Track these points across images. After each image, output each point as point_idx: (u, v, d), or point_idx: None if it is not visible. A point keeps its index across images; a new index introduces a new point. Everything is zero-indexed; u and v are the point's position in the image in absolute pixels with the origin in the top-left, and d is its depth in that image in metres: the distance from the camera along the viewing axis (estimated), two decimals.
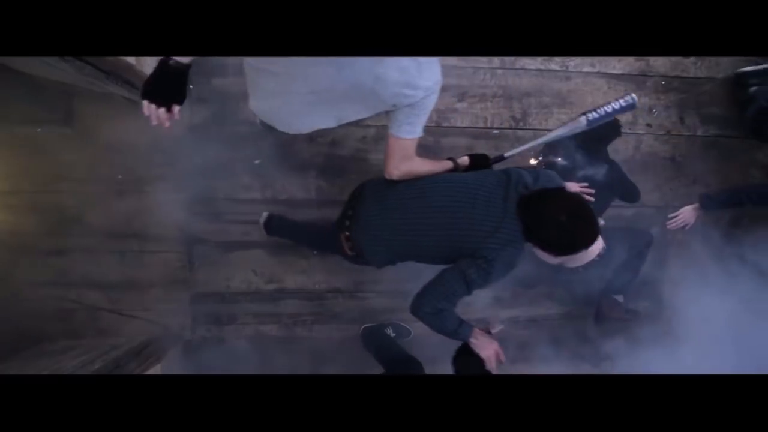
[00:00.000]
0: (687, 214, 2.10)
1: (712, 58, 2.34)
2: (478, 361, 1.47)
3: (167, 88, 1.06)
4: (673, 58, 2.32)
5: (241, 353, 2.04)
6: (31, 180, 1.95)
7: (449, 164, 1.51)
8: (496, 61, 2.22)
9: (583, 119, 1.58)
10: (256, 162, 2.06)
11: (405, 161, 1.35)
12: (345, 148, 2.12)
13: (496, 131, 2.22)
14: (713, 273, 1.99)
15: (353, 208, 1.50)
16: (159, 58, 1.08)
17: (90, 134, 1.94)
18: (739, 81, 2.26)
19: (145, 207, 1.99)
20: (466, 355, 1.50)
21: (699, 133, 2.34)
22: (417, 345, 2.12)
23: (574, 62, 2.27)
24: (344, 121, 1.31)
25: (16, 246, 1.95)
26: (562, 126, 1.65)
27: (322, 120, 1.30)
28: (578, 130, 1.61)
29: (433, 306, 1.38)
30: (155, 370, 1.84)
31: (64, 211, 1.97)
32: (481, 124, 2.22)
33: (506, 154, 1.64)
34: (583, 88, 2.27)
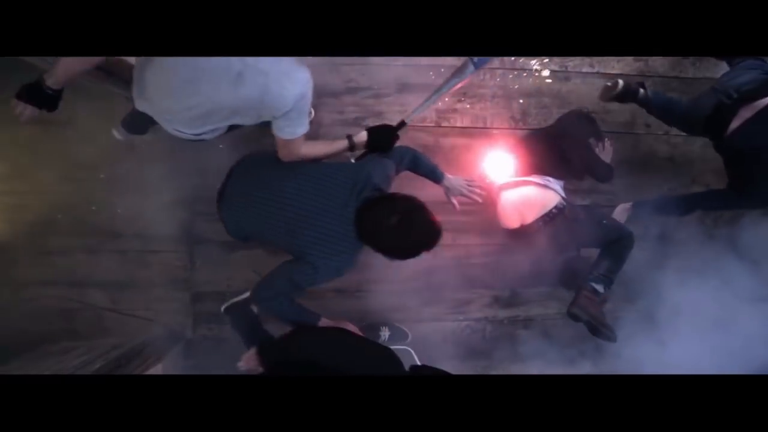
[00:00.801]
0: (618, 212, 2.13)
1: (711, 59, 2.35)
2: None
3: (42, 101, 1.20)
4: (672, 59, 2.33)
5: (242, 351, 2.04)
6: (32, 180, 1.95)
7: (344, 143, 1.47)
8: (495, 61, 2.23)
9: (470, 63, 1.50)
10: None
11: (293, 154, 1.35)
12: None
13: (495, 131, 2.23)
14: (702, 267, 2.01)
15: (229, 177, 1.50)
16: (41, 78, 1.20)
17: (91, 134, 1.95)
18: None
19: (146, 207, 2.00)
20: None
21: None
22: (416, 344, 2.14)
23: (573, 63, 2.28)
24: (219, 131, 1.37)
25: (18, 246, 1.96)
26: (452, 75, 1.55)
27: (197, 129, 1.34)
28: (468, 74, 1.51)
29: (267, 297, 1.37)
30: (156, 369, 1.85)
31: (66, 211, 1.97)
32: (481, 124, 2.23)
33: (407, 119, 1.55)
34: (582, 89, 2.29)
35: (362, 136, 1.49)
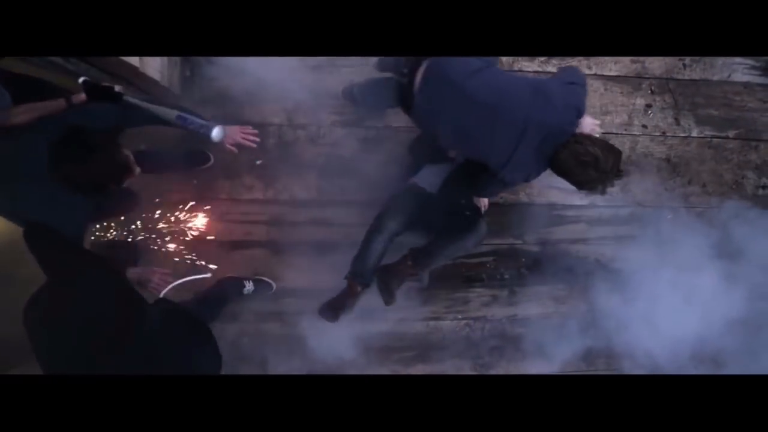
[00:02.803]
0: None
1: (707, 61, 2.38)
2: None
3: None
4: (668, 61, 2.35)
5: (242, 351, 2.07)
6: None
7: (61, 103, 1.36)
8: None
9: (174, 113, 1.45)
10: (258, 162, 2.09)
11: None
12: (346, 149, 2.15)
13: None
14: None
15: None
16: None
17: None
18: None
19: (148, 207, 2.01)
20: None
21: (694, 134, 2.38)
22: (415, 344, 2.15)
23: (571, 64, 2.30)
24: None
25: (20, 246, 1.96)
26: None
27: None
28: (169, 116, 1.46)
29: None
30: None
31: None
32: None
33: (117, 88, 1.42)
34: None
35: (81, 96, 1.39)
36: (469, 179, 1.75)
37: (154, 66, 1.75)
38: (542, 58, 2.29)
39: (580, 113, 1.47)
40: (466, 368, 2.25)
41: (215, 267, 2.04)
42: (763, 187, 2.40)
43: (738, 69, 2.40)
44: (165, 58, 1.85)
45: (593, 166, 1.36)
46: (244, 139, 1.55)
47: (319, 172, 2.13)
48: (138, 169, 1.36)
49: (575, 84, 1.50)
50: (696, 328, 2.11)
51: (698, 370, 2.14)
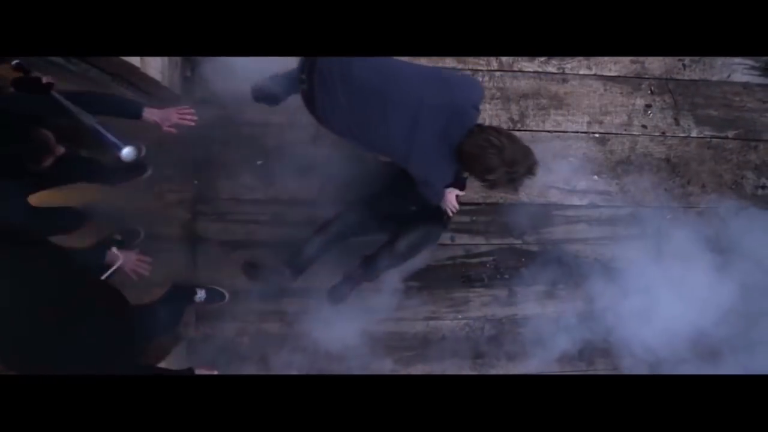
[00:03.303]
0: None
1: (707, 61, 2.38)
2: None
3: None
4: (668, 61, 2.36)
5: (243, 350, 2.07)
6: None
7: None
8: (494, 63, 2.25)
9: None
10: (259, 163, 2.09)
11: None
12: (347, 149, 2.15)
13: None
14: None
15: None
16: None
17: None
18: None
19: (149, 207, 2.02)
20: None
21: (693, 134, 2.38)
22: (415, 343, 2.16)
23: (571, 65, 2.31)
24: None
25: None
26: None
27: None
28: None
29: None
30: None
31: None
32: None
33: (44, 79, 1.35)
34: (580, 90, 2.31)
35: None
36: (404, 184, 1.72)
37: (155, 66, 1.76)
38: (542, 58, 2.29)
39: (479, 101, 1.47)
40: (466, 368, 2.25)
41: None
42: (763, 187, 2.41)
43: (737, 69, 2.40)
44: (166, 59, 1.85)
45: (497, 154, 1.33)
46: (181, 119, 1.55)
47: (319, 172, 2.14)
48: (62, 149, 1.34)
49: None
50: (695, 326, 2.12)
51: (699, 369, 2.14)
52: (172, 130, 1.58)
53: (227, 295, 2.07)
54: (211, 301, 2.04)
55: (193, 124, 1.59)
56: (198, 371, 1.42)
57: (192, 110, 1.59)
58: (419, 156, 1.43)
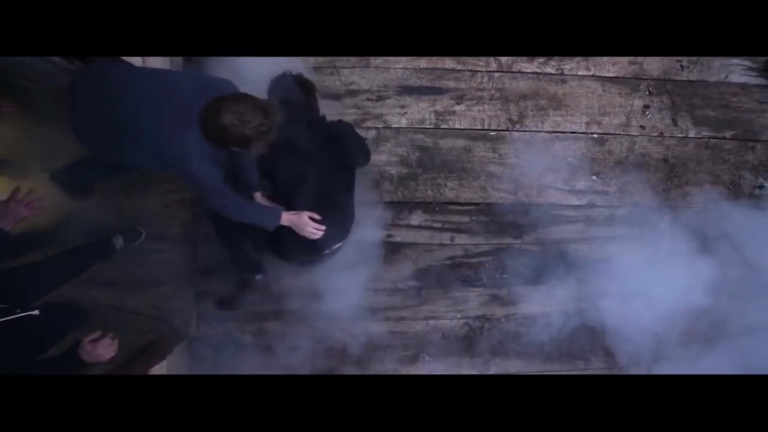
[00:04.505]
0: None
1: (704, 62, 2.39)
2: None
3: None
4: (666, 62, 2.37)
5: (244, 349, 2.08)
6: (40, 178, 1.97)
7: None
8: (493, 64, 2.26)
9: None
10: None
11: None
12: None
13: (493, 133, 2.27)
14: None
15: None
16: None
17: None
18: None
19: (150, 207, 2.02)
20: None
21: (691, 134, 2.39)
22: (415, 343, 2.15)
23: (570, 66, 2.32)
24: None
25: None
26: None
27: None
28: None
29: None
30: (161, 366, 1.87)
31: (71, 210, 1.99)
32: (479, 126, 2.26)
33: None
34: (579, 91, 2.32)
35: None
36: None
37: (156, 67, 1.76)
38: (541, 60, 2.30)
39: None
40: (465, 368, 2.26)
41: None
42: (760, 187, 2.42)
43: (735, 70, 2.41)
44: (167, 60, 1.86)
45: (240, 123, 1.30)
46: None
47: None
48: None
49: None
50: (694, 326, 2.13)
51: (695, 368, 2.15)
52: None
53: (143, 232, 2.00)
54: (130, 242, 1.95)
55: None
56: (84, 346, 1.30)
57: None
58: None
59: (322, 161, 1.70)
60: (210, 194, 1.49)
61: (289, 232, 1.62)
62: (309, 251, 1.75)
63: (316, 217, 1.62)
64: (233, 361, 2.05)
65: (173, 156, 1.37)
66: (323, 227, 1.62)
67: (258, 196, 1.69)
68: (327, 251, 1.80)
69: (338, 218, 1.75)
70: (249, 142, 1.35)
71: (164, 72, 1.55)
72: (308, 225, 1.60)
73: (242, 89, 1.86)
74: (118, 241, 1.90)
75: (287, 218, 1.58)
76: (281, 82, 1.76)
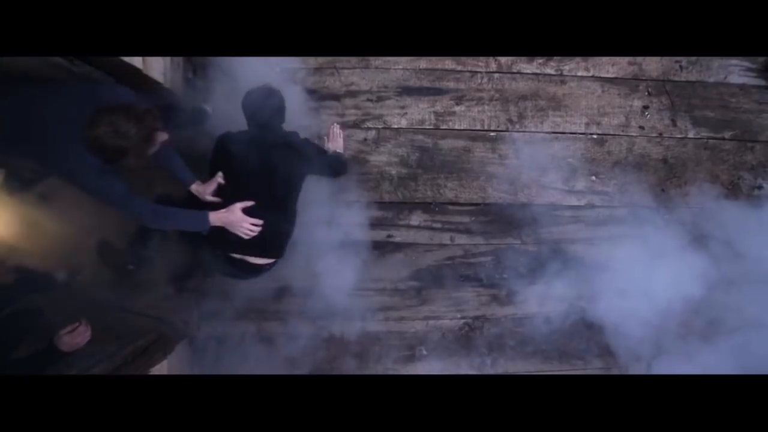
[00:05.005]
0: None
1: (703, 63, 2.40)
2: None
3: None
4: (665, 63, 2.37)
5: (245, 349, 2.08)
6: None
7: None
8: (492, 65, 2.27)
9: None
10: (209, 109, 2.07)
11: None
12: (347, 149, 2.16)
13: (492, 133, 2.27)
14: None
15: None
16: None
17: None
18: None
19: None
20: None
21: (690, 135, 2.40)
22: (414, 342, 2.15)
23: (569, 66, 2.32)
24: None
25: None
26: None
27: None
28: None
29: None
30: (162, 366, 1.87)
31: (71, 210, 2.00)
32: (479, 127, 2.27)
33: None
34: (578, 92, 2.33)
35: None
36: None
37: (157, 68, 1.76)
38: (541, 60, 2.31)
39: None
40: (465, 367, 2.26)
41: None
42: (759, 188, 2.43)
43: (734, 71, 2.42)
44: (168, 61, 1.86)
45: (115, 136, 1.28)
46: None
47: None
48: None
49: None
50: (693, 326, 2.13)
51: (694, 368, 2.16)
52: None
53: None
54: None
55: None
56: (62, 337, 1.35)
57: None
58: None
59: (271, 166, 1.67)
60: (113, 206, 1.45)
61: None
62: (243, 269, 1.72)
63: (249, 204, 1.56)
64: (234, 360, 2.06)
65: (63, 170, 1.37)
66: (260, 222, 1.57)
67: (194, 187, 1.67)
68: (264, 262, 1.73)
69: (276, 220, 1.69)
70: (125, 154, 1.32)
71: (68, 87, 1.49)
72: (243, 221, 1.55)
73: (242, 89, 1.89)
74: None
75: (217, 217, 1.54)
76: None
